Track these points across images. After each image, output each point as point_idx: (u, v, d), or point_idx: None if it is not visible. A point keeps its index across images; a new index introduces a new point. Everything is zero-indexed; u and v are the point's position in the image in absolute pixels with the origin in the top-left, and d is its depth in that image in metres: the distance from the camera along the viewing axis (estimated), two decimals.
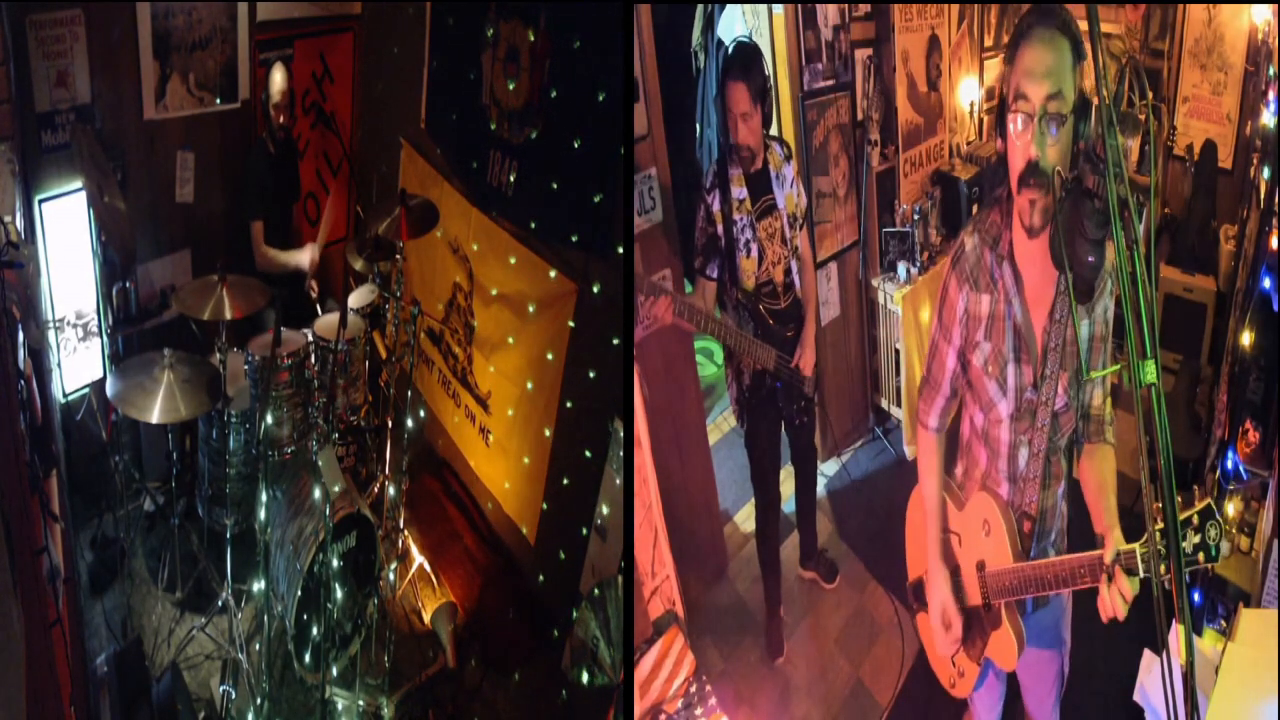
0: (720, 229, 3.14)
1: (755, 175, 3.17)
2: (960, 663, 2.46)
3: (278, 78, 4.14)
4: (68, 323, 3.79)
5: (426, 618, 3.87)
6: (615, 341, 3.28)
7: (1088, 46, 1.84)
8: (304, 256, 4.32)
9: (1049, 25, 1.88)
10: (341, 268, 4.89)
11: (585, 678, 3.24)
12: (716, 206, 3.13)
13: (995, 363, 2.12)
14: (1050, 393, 2.10)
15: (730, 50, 3.11)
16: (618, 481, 3.27)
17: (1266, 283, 3.10)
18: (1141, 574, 1.80)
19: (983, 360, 2.14)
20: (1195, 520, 1.69)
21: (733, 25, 4.34)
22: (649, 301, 2.82)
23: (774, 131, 3.95)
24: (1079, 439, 2.22)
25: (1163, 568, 1.56)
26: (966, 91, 5.61)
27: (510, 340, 3.87)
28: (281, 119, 4.20)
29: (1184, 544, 1.67)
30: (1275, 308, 3.04)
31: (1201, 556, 1.70)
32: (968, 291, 2.11)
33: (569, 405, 3.60)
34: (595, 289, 3.36)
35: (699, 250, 3.21)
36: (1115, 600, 1.86)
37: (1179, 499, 1.59)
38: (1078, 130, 1.89)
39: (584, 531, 3.53)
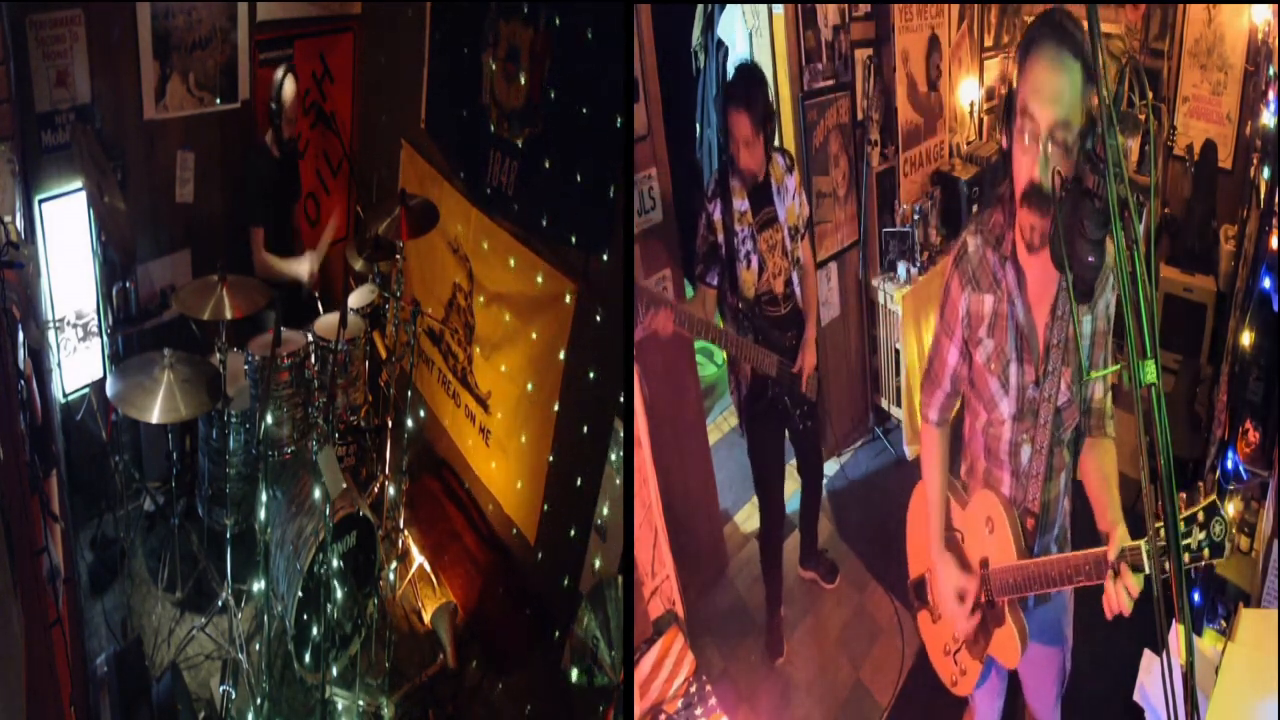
0: (721, 238, 3.13)
1: (757, 188, 3.15)
2: (962, 660, 2.46)
3: (288, 88, 4.09)
4: (68, 323, 3.78)
5: (426, 618, 3.86)
6: (615, 341, 3.27)
7: (1089, 51, 1.82)
8: (303, 268, 4.31)
9: (1061, 44, 1.82)
10: (341, 268, 4.88)
11: (585, 678, 3.24)
12: (717, 216, 3.11)
13: (997, 360, 2.13)
14: (1053, 389, 2.10)
15: (733, 76, 3.07)
16: (618, 481, 3.27)
17: (1266, 283, 3.10)
18: (1147, 570, 1.79)
19: (985, 357, 2.14)
20: (1200, 517, 1.67)
21: (733, 25, 4.33)
22: (649, 314, 2.82)
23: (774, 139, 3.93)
24: (1081, 433, 2.22)
25: (1168, 563, 1.55)
26: (966, 91, 5.61)
27: (510, 340, 3.87)
28: (289, 132, 4.18)
29: (1190, 540, 1.66)
30: (1275, 308, 3.04)
31: (1207, 552, 1.68)
32: (970, 292, 2.11)
33: (569, 405, 3.60)
34: (595, 289, 3.36)
35: (700, 258, 3.20)
36: (1121, 596, 1.85)
37: (1182, 497, 1.58)
38: (1085, 138, 1.87)
39: (583, 531, 3.53)
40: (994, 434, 2.22)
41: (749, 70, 3.09)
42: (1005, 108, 1.99)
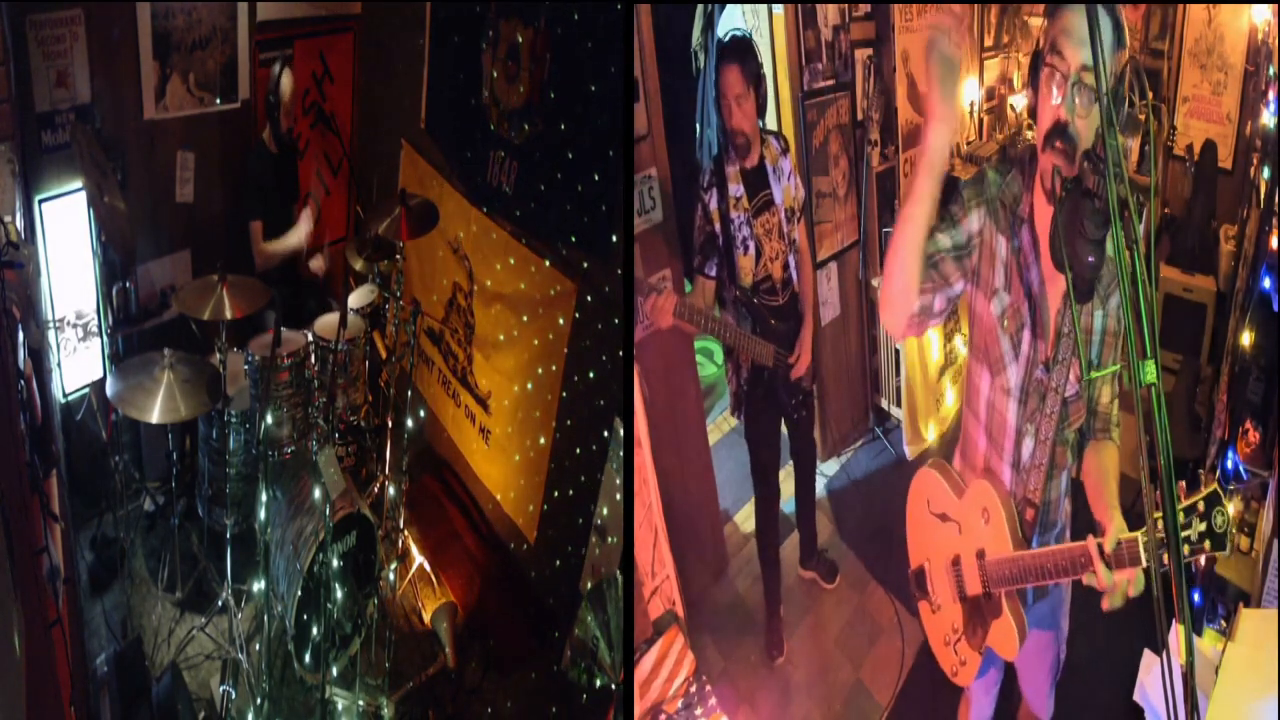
0: (718, 227, 3.15)
1: (751, 171, 3.18)
2: (962, 651, 2.46)
3: (285, 82, 4.09)
4: (68, 323, 3.78)
5: (426, 618, 3.86)
6: (615, 341, 3.28)
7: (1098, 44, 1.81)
8: (299, 232, 4.29)
9: None
10: (341, 268, 4.89)
11: (585, 678, 3.24)
12: (714, 205, 3.14)
13: (1013, 319, 2.08)
14: (1062, 379, 2.08)
15: (725, 40, 3.14)
16: (618, 481, 3.27)
17: (1266, 283, 3.10)
18: (1144, 563, 1.77)
19: (1000, 310, 2.09)
20: (1201, 507, 1.64)
21: (733, 25, 4.34)
22: (649, 301, 2.83)
23: (772, 127, 3.95)
24: (1085, 434, 2.20)
25: (1164, 555, 1.52)
26: (966, 91, 5.61)
27: (510, 340, 3.87)
28: (286, 123, 4.18)
29: (1189, 531, 1.63)
30: (1275, 308, 3.05)
31: (1208, 544, 1.66)
32: (985, 213, 2.04)
33: (569, 405, 3.60)
34: (595, 289, 3.36)
35: (697, 249, 3.22)
36: (1108, 585, 1.84)
37: (1181, 486, 1.56)
38: (1118, 84, 1.85)
39: (583, 531, 3.53)
40: (997, 408, 2.19)
41: (739, 35, 3.19)
42: (1032, 62, 1.99)
